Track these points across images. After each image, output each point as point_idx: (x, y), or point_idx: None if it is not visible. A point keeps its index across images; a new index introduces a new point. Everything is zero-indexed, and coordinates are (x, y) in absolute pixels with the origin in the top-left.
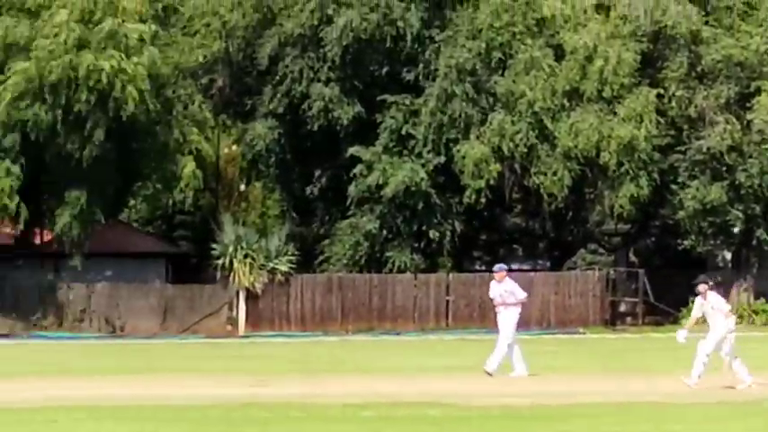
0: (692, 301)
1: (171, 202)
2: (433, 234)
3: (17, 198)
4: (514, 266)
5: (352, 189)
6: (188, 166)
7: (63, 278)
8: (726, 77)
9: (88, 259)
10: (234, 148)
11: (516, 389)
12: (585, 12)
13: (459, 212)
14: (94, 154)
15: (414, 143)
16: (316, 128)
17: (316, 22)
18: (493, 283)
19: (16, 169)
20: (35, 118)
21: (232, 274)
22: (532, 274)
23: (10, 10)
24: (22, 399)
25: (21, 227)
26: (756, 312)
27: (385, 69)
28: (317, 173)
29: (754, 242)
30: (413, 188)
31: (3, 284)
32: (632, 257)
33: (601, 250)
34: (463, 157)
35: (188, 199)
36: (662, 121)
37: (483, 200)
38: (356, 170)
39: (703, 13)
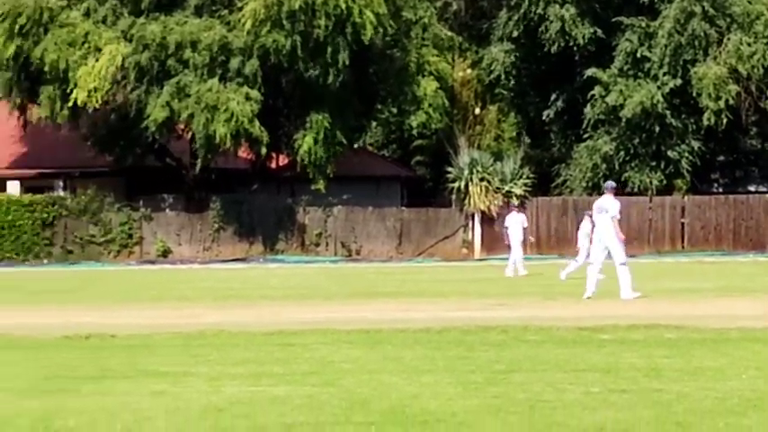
0: None
1: (408, 125)
2: (672, 154)
3: (257, 123)
4: (751, 188)
5: (588, 111)
6: (429, 87)
7: (300, 203)
8: None
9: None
10: (469, 71)
11: (753, 312)
12: None
13: (697, 134)
14: (337, 79)
15: (649, 65)
16: (552, 50)
17: None
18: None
19: (255, 95)
20: (275, 45)
21: (467, 197)
22: None
23: None
24: (257, 322)
25: (263, 151)
26: None
27: None
28: (553, 96)
29: None
30: (649, 110)
31: (240, 209)
32: None
33: None
34: (701, 79)
35: (432, 121)
36: None
37: (724, 120)
38: (594, 92)
39: None
